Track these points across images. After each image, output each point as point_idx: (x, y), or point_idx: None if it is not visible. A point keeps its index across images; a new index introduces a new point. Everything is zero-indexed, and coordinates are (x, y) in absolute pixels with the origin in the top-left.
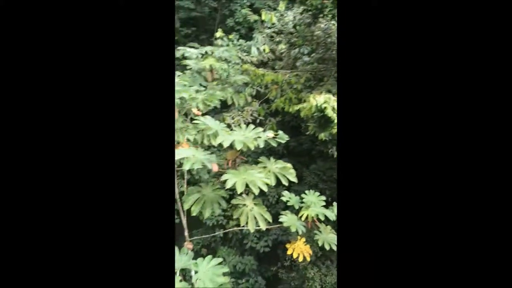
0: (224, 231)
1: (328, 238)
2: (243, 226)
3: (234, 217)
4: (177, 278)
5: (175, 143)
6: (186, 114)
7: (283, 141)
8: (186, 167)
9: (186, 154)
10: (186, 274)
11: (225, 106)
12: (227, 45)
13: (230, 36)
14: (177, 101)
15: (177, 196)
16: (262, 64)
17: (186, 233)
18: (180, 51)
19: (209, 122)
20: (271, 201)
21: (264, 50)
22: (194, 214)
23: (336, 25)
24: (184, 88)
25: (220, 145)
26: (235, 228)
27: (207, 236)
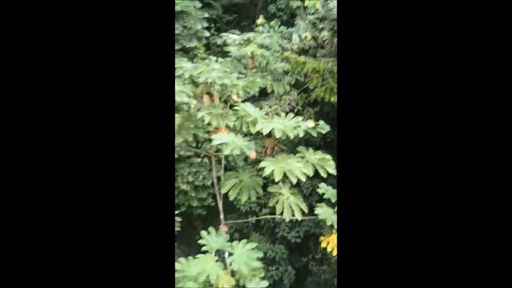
0: (257, 218)
1: None
2: (278, 215)
3: (270, 205)
4: (213, 258)
5: (214, 128)
6: (226, 101)
7: (324, 131)
8: (225, 152)
9: (226, 140)
10: (220, 255)
11: (262, 94)
12: (268, 32)
13: (272, 23)
14: (217, 87)
15: (214, 180)
16: (303, 51)
17: (221, 216)
18: (223, 37)
19: (249, 109)
20: (305, 192)
21: (305, 37)
22: (231, 198)
23: None
24: (225, 74)
25: (258, 132)
26: (268, 216)
27: (240, 221)
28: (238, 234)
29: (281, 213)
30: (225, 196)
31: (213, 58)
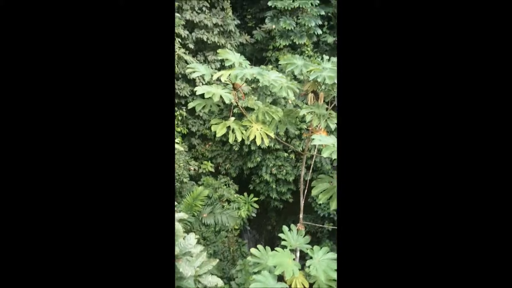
0: (335, 227)
1: None
2: None
3: None
4: (291, 255)
5: (314, 128)
6: (329, 102)
7: None
8: (324, 154)
9: (326, 142)
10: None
11: None
12: None
13: None
14: (323, 86)
15: (301, 178)
16: None
17: (301, 216)
18: None
19: None
20: None
21: None
22: (320, 202)
23: None
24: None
25: None
26: None
27: (316, 225)
28: (310, 236)
29: None
30: (307, 195)
31: (326, 56)
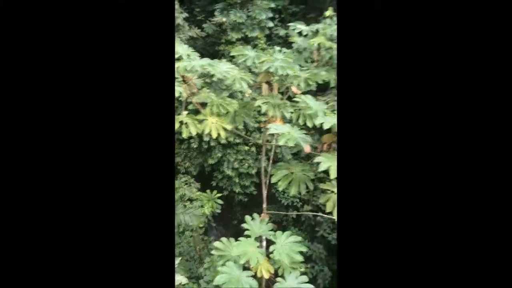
0: (298, 213)
1: None
2: (326, 213)
3: (321, 202)
4: (255, 243)
5: (270, 118)
6: (283, 92)
7: None
8: (280, 142)
9: (281, 130)
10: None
11: (320, 89)
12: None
13: None
14: (277, 77)
15: (262, 169)
16: None
17: (264, 205)
18: (290, 27)
19: (310, 101)
20: None
21: None
22: (280, 189)
23: None
24: (289, 65)
25: (314, 127)
26: (310, 213)
27: (281, 213)
28: (276, 226)
29: (330, 212)
30: (268, 186)
31: (277, 48)
